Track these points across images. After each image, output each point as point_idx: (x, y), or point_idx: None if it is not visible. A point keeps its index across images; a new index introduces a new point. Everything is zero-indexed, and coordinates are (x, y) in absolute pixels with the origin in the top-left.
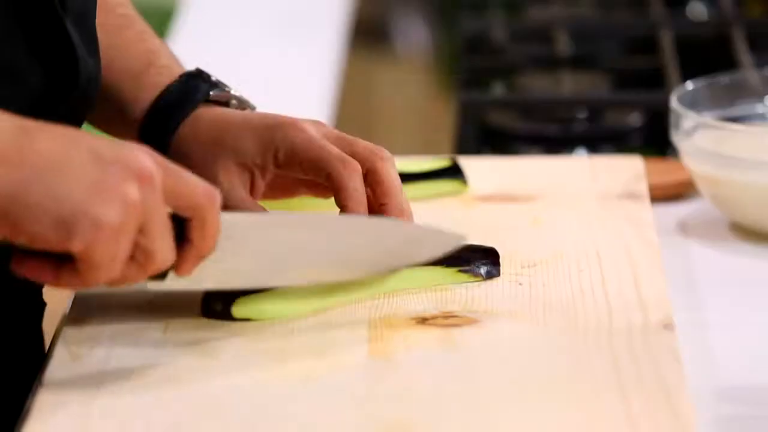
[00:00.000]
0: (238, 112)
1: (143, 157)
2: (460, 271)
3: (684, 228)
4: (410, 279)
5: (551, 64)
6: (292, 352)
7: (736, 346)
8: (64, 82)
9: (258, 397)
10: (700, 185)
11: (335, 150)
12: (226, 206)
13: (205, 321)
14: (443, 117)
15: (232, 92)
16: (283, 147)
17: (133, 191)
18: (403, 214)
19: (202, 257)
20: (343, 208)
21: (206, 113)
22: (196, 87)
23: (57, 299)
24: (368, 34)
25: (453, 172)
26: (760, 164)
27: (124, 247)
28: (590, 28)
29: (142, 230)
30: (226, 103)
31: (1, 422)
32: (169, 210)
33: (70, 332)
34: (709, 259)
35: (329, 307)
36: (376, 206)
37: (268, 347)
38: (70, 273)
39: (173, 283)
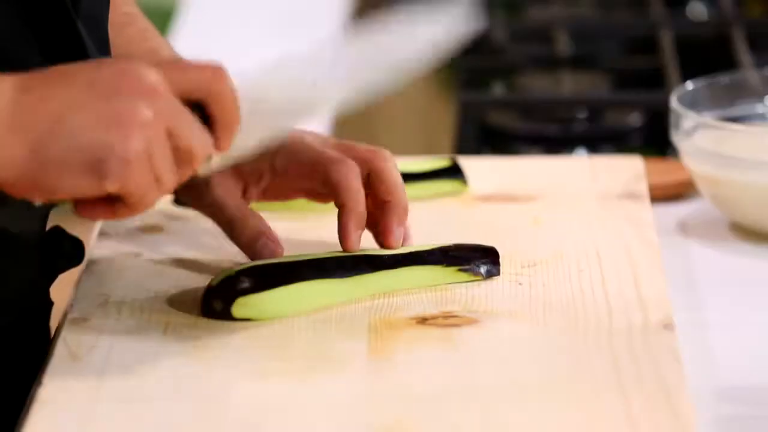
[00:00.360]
0: None
1: (142, 72)
2: (460, 270)
3: (684, 228)
4: (410, 279)
5: (551, 64)
6: (292, 352)
7: (736, 346)
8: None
9: (258, 397)
10: (700, 185)
11: (334, 153)
12: (221, 211)
13: (205, 321)
14: (443, 117)
15: None
16: (281, 154)
17: (145, 111)
18: (407, 212)
19: (234, 128)
20: (342, 207)
21: None
22: None
23: (58, 299)
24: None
25: (453, 172)
26: (760, 164)
27: (162, 163)
28: (590, 28)
29: (170, 134)
30: None
31: (4, 421)
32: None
33: (70, 332)
34: (709, 259)
35: (329, 307)
36: (379, 204)
37: (268, 347)
38: (125, 206)
39: (221, 160)
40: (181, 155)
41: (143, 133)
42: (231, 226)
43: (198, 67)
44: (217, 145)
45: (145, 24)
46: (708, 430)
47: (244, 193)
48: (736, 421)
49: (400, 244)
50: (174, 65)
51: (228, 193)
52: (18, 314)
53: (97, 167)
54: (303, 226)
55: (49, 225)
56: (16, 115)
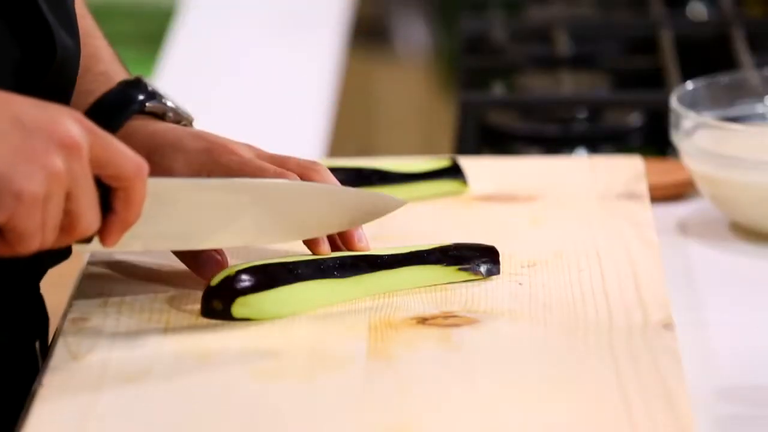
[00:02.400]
0: (171, 129)
1: (70, 124)
2: (460, 269)
3: (684, 228)
4: (410, 278)
5: (551, 64)
6: (292, 352)
7: (736, 345)
8: (41, 56)
9: (258, 397)
10: (700, 185)
11: (271, 167)
12: None
13: (205, 321)
14: (443, 117)
15: (169, 104)
16: (217, 171)
17: (57, 161)
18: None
19: (127, 226)
20: None
21: (141, 128)
22: (132, 97)
23: (58, 299)
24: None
25: (453, 172)
26: (760, 164)
27: (52, 215)
28: (590, 28)
29: (67, 197)
30: (162, 116)
31: (3, 419)
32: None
33: (70, 332)
34: (709, 259)
35: (329, 307)
36: None
37: (268, 347)
38: (3, 241)
39: (99, 246)
40: (68, 220)
41: (46, 180)
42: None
43: (123, 154)
44: (104, 235)
45: (88, 27)
46: (708, 430)
47: None
48: (735, 420)
49: (367, 243)
50: (102, 140)
51: None
52: (7, 312)
53: None
54: None
55: None
56: None
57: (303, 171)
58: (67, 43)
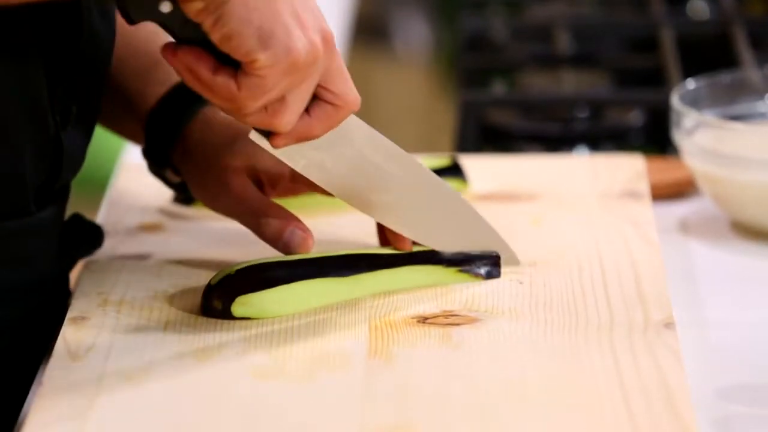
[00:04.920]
0: None
1: (328, 25)
2: (460, 271)
3: (685, 226)
4: (410, 279)
5: (552, 62)
6: (291, 351)
7: (737, 344)
8: (68, 35)
9: (258, 396)
10: (701, 184)
11: None
12: (242, 206)
13: (205, 320)
14: (443, 115)
15: None
16: None
17: (318, 43)
18: None
19: (306, 138)
20: None
21: (218, 115)
22: None
23: None
24: (368, 32)
25: (453, 170)
26: (760, 163)
27: (283, 86)
28: (591, 27)
29: (322, 81)
30: None
31: (11, 411)
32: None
33: (70, 332)
34: (710, 258)
35: (329, 306)
36: None
37: (268, 346)
38: (225, 76)
39: (268, 147)
40: (278, 105)
41: (309, 49)
42: (255, 220)
43: (351, 83)
44: (280, 135)
45: (155, 27)
46: (708, 429)
47: (260, 190)
48: (736, 419)
49: (411, 245)
50: (342, 63)
51: (246, 189)
52: (39, 301)
53: (269, 35)
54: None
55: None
56: None
57: None
58: (97, 26)
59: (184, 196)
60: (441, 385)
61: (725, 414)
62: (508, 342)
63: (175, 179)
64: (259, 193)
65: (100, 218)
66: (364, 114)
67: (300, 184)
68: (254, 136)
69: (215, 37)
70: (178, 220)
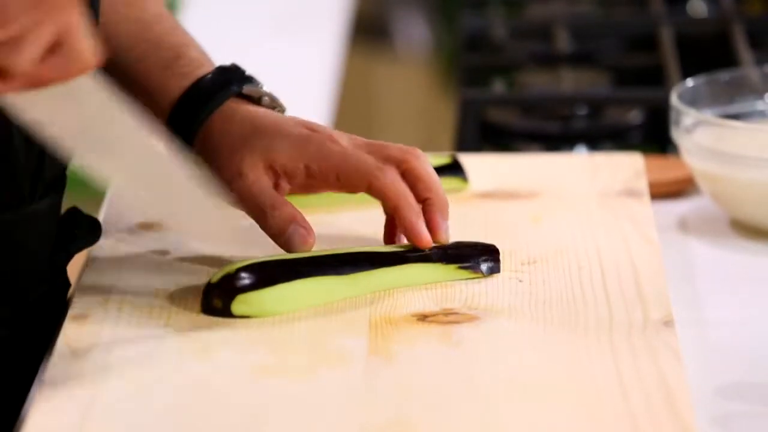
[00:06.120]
0: (271, 113)
1: None
2: (460, 268)
3: (684, 225)
4: (410, 276)
5: (551, 61)
6: (292, 349)
7: (737, 343)
8: None
9: (258, 394)
10: (700, 182)
11: (371, 160)
12: (252, 200)
13: (205, 319)
14: (443, 114)
15: (265, 89)
16: (317, 160)
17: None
18: (448, 206)
19: (31, 86)
20: (396, 210)
21: (239, 109)
22: (229, 80)
23: None
24: (368, 31)
25: (453, 169)
26: (760, 161)
27: (24, 22)
28: (590, 26)
29: (64, 31)
30: (258, 100)
31: (11, 408)
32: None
33: (70, 331)
34: (709, 257)
35: (329, 304)
36: (420, 202)
37: (268, 344)
38: None
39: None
40: (65, 51)
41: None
42: (262, 213)
43: (90, 43)
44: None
45: (174, 22)
46: (707, 428)
47: (275, 187)
48: (736, 418)
49: (449, 238)
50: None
51: (259, 182)
52: (36, 296)
53: None
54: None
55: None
56: None
57: (403, 156)
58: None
59: None
60: (441, 383)
61: (724, 412)
62: (507, 340)
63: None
64: (270, 188)
65: (102, 216)
66: (364, 113)
67: (317, 181)
68: None
69: None
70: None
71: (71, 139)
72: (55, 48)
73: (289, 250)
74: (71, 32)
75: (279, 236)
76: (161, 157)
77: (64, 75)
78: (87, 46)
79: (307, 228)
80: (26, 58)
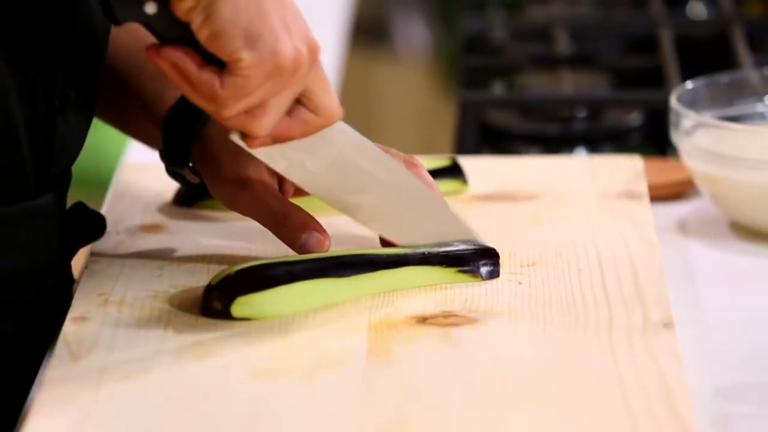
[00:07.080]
0: None
1: (315, 37)
2: (460, 271)
3: (683, 227)
4: (410, 279)
5: (551, 63)
6: (291, 351)
7: (736, 344)
8: (61, 8)
9: (258, 396)
10: (700, 184)
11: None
12: (262, 208)
13: (205, 320)
14: (443, 116)
15: None
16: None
17: (304, 51)
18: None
19: (282, 140)
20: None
21: None
22: None
23: None
24: (368, 33)
25: (453, 171)
26: (759, 163)
27: (265, 90)
28: (590, 28)
29: (305, 90)
30: None
31: (7, 418)
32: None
33: (70, 332)
34: (709, 258)
35: (329, 307)
36: None
37: (268, 346)
38: (210, 74)
39: (249, 148)
40: (258, 109)
41: (294, 55)
42: (275, 221)
43: (335, 97)
44: (254, 138)
45: None
46: (707, 428)
47: (280, 189)
48: (735, 419)
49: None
50: (325, 75)
51: (266, 189)
52: (40, 290)
53: (257, 35)
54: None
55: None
56: None
57: (403, 162)
58: (93, 8)
59: (190, 195)
60: (440, 385)
61: (724, 413)
62: (507, 342)
63: (194, 179)
64: (278, 194)
65: None
66: (364, 114)
67: None
68: (235, 137)
69: (203, 35)
70: (178, 220)
71: (325, 178)
72: (300, 104)
73: (303, 254)
74: (312, 92)
75: (294, 242)
76: (418, 186)
77: (308, 130)
78: (329, 100)
79: (322, 231)
80: (268, 123)
